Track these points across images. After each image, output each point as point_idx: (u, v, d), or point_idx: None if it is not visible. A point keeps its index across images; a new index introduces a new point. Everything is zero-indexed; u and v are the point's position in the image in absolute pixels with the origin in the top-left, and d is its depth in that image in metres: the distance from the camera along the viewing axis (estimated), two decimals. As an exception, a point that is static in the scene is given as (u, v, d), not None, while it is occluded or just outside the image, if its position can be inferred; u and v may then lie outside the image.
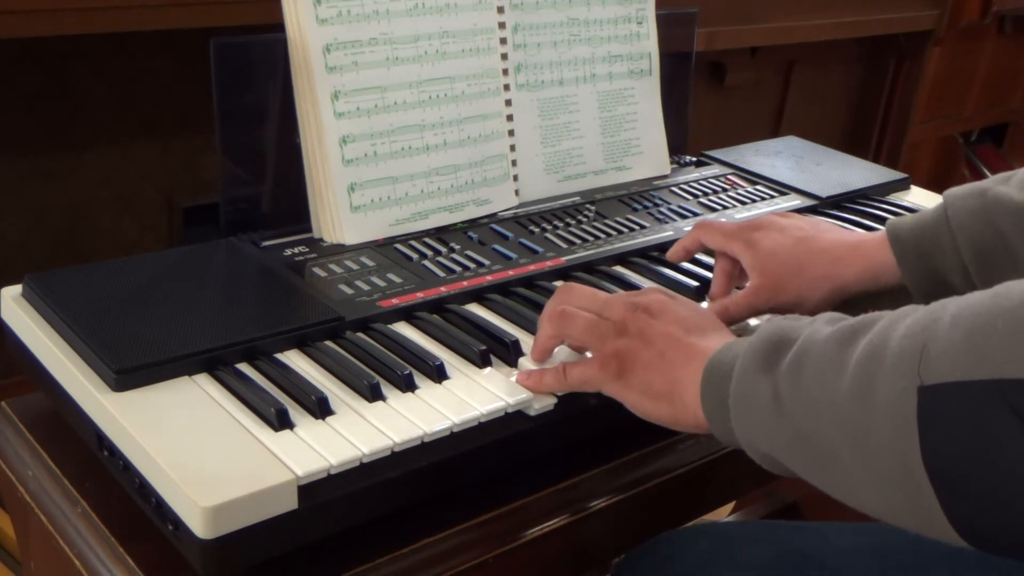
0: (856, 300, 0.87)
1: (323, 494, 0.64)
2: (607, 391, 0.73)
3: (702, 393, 0.67)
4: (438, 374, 0.75)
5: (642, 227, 1.04)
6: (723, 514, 1.52)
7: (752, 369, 0.63)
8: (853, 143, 2.70)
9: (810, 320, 0.64)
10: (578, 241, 0.99)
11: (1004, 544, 0.53)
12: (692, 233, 0.93)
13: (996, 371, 0.51)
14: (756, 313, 0.86)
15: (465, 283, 0.89)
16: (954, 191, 0.86)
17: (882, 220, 1.14)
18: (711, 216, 1.09)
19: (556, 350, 0.78)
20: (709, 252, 0.95)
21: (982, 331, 0.52)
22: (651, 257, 1.00)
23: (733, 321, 0.85)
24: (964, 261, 0.82)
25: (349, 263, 0.89)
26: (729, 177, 1.22)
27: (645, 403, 0.71)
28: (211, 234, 0.91)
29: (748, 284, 0.87)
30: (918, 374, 0.54)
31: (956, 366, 0.52)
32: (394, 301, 0.84)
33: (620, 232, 1.02)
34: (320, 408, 0.70)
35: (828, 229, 0.90)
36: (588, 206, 1.08)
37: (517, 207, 1.06)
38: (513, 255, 0.95)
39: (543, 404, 0.75)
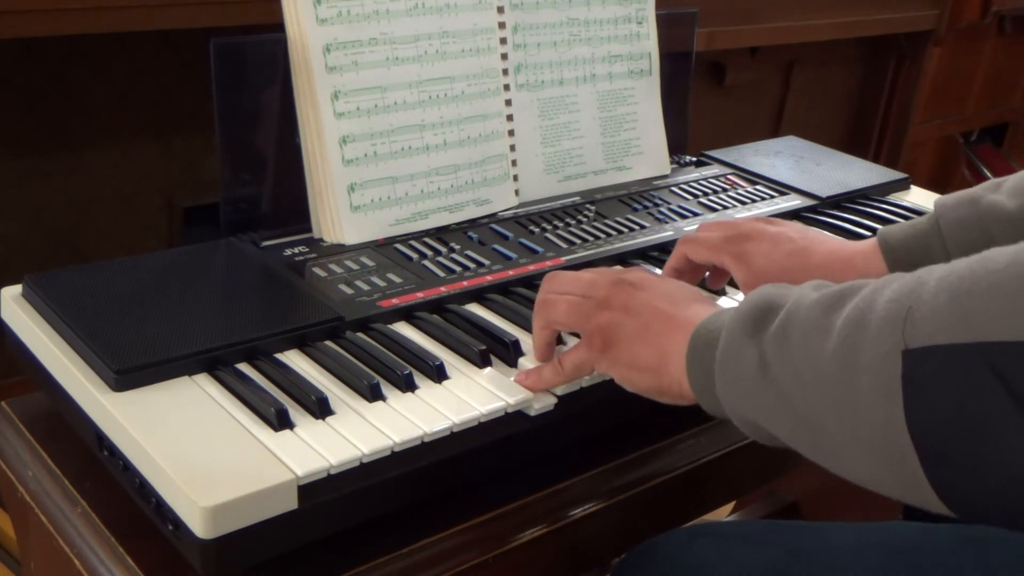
0: None
1: (323, 494, 0.64)
2: (598, 368, 0.73)
3: (687, 362, 0.67)
4: (438, 374, 0.75)
5: (642, 227, 1.04)
6: (723, 514, 1.52)
7: (738, 335, 0.63)
8: (853, 143, 2.71)
9: (797, 288, 0.64)
10: (578, 241, 0.99)
11: (985, 511, 0.53)
12: (677, 250, 0.90)
13: (980, 334, 0.51)
14: None
15: (465, 283, 0.89)
16: (944, 199, 0.86)
17: (882, 220, 1.14)
18: (711, 216, 1.09)
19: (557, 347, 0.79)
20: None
21: (967, 294, 0.52)
22: (651, 257, 1.00)
23: None
24: None
25: (349, 263, 0.89)
26: (729, 177, 1.22)
27: (631, 375, 0.71)
28: (211, 234, 0.91)
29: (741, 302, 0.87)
30: (903, 338, 0.53)
31: (940, 329, 0.52)
32: (394, 301, 0.84)
33: (620, 232, 1.02)
34: (320, 408, 0.70)
35: (816, 239, 0.89)
36: (588, 206, 1.08)
37: (517, 207, 1.06)
38: (513, 255, 0.95)
39: (543, 404, 0.75)
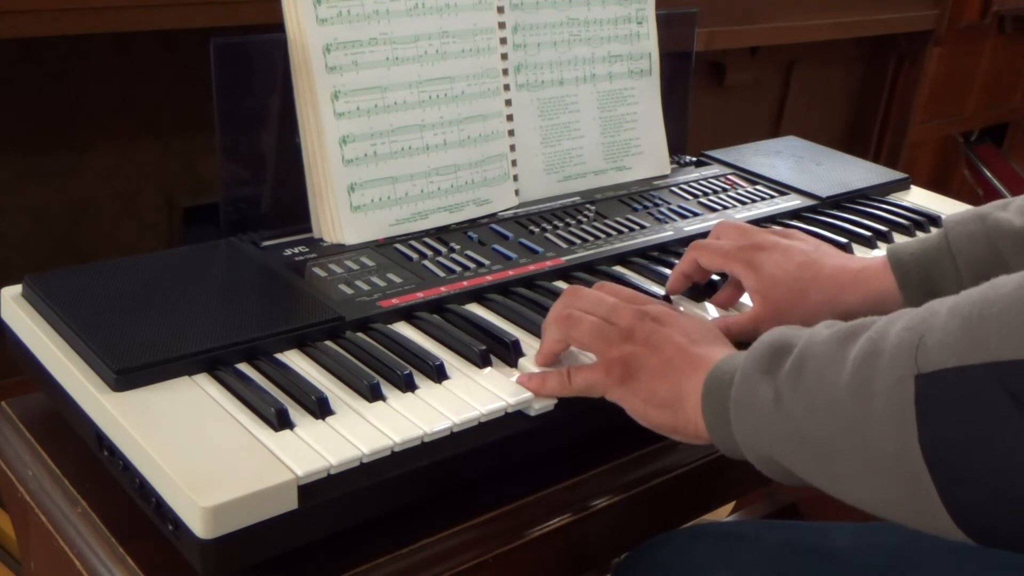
0: None
1: (323, 494, 0.64)
2: (611, 396, 0.73)
3: (703, 402, 0.67)
4: (438, 374, 0.75)
5: (642, 227, 1.04)
6: (723, 514, 1.52)
7: (753, 374, 0.64)
8: (853, 143, 2.71)
9: (810, 328, 0.65)
10: (578, 241, 0.99)
11: (1002, 534, 0.54)
12: (688, 255, 0.90)
13: (992, 355, 0.52)
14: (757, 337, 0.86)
15: (465, 283, 0.89)
16: (954, 217, 0.87)
17: (882, 220, 1.14)
18: (711, 216, 1.09)
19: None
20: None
21: (978, 317, 0.53)
22: (651, 257, 1.00)
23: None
24: (965, 286, 0.82)
25: (349, 263, 0.89)
26: (729, 177, 1.22)
27: (648, 410, 0.71)
28: (211, 234, 0.91)
29: (750, 309, 0.87)
30: (915, 363, 0.54)
31: (953, 352, 0.53)
32: (394, 301, 0.84)
33: (620, 232, 1.02)
34: (320, 408, 0.70)
35: (829, 252, 0.89)
36: (588, 206, 1.08)
37: (517, 207, 1.06)
38: (513, 255, 0.95)
39: (543, 404, 0.75)
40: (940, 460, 0.53)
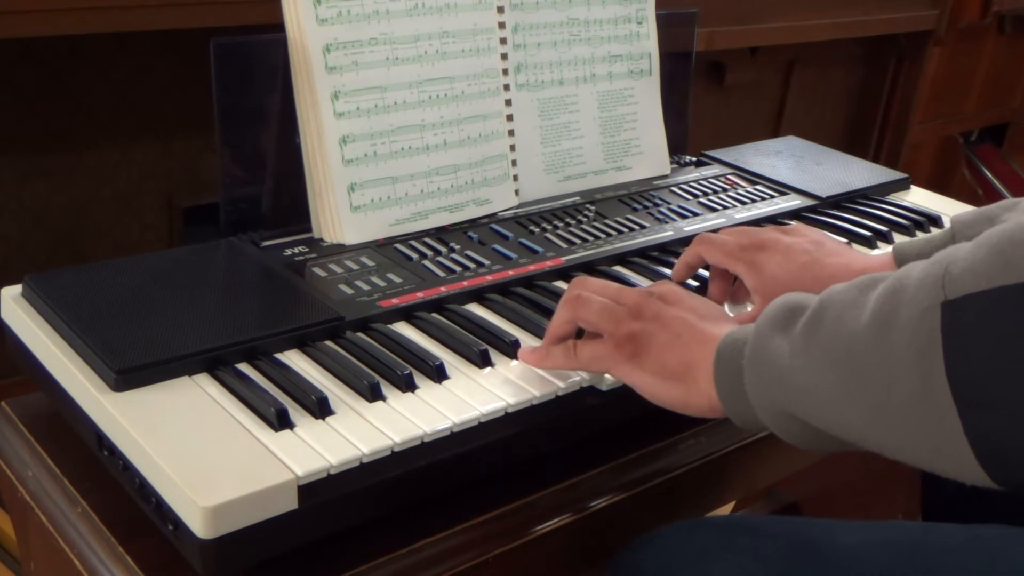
0: None
1: (323, 494, 0.64)
2: (617, 373, 0.73)
3: (715, 370, 0.67)
4: (438, 374, 0.75)
5: (642, 227, 1.04)
6: (724, 513, 1.52)
7: (767, 333, 0.64)
8: (853, 143, 2.71)
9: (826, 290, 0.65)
10: (578, 241, 0.99)
11: (1021, 465, 0.53)
12: (693, 248, 0.91)
13: (1022, 275, 0.52)
14: None
15: (465, 283, 0.89)
16: (961, 216, 0.87)
17: (882, 220, 1.14)
18: (711, 216, 1.09)
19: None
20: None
21: (1009, 242, 0.53)
22: (651, 257, 1.00)
23: None
24: None
25: (349, 263, 0.89)
26: (729, 177, 1.22)
27: (657, 385, 0.71)
28: (211, 234, 0.91)
29: (751, 310, 0.87)
30: (943, 291, 0.54)
31: (981, 276, 0.53)
32: (394, 301, 0.84)
33: (620, 232, 1.02)
34: (320, 408, 0.70)
35: (832, 251, 0.89)
36: (588, 206, 1.08)
37: (517, 207, 1.06)
38: (513, 255, 0.95)
39: (544, 392, 0.75)
40: (967, 388, 0.52)
